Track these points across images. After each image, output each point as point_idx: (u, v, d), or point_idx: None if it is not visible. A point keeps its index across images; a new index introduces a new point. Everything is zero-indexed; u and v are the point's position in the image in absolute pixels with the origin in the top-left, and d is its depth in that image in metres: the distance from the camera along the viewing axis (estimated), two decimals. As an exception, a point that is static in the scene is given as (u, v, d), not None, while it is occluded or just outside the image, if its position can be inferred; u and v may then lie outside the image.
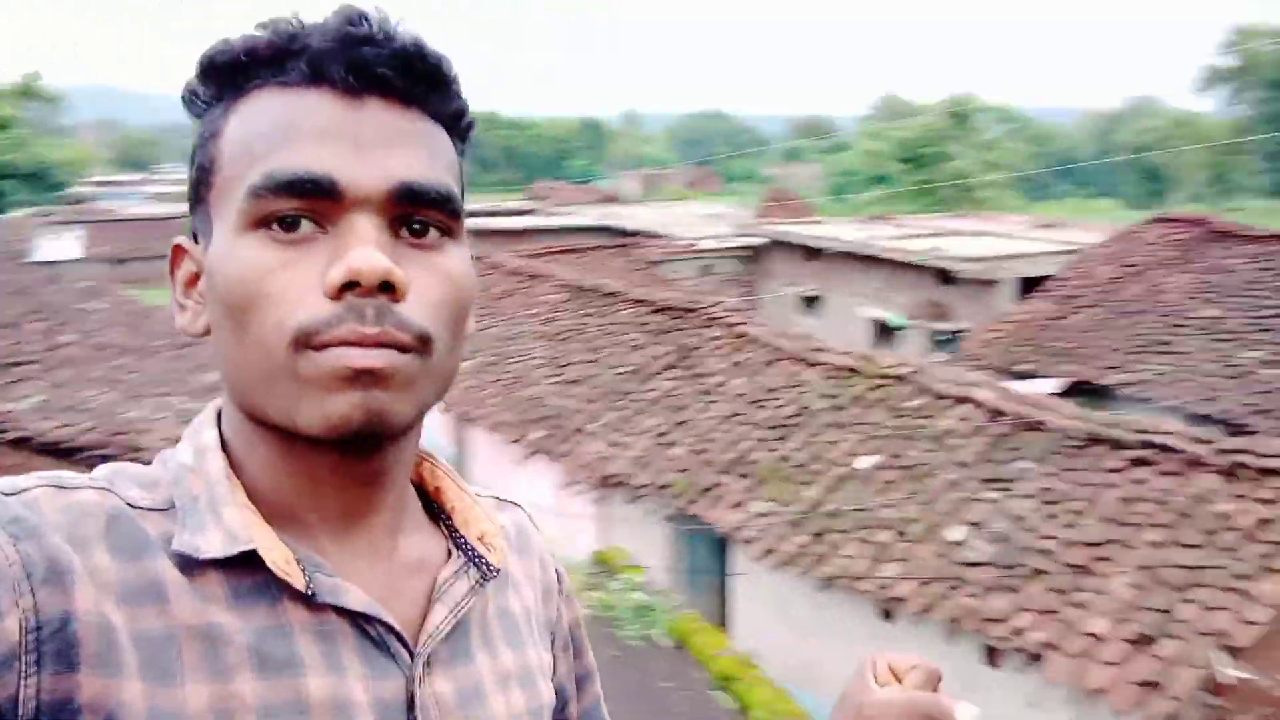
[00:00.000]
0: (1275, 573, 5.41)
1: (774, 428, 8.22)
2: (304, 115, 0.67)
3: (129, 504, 0.67)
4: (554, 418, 9.57)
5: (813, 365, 8.73)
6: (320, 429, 0.66)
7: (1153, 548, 5.84)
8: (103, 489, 0.67)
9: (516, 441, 9.52)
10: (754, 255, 19.24)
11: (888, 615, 6.53)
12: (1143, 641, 5.35)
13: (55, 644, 0.59)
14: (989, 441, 7.17)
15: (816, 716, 6.51)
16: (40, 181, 38.14)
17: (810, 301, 17.99)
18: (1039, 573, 6.00)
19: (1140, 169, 50.87)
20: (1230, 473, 6.06)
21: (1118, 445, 6.59)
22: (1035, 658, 5.61)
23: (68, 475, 0.68)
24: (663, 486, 8.14)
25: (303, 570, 0.68)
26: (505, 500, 0.92)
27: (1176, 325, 11.41)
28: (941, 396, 7.77)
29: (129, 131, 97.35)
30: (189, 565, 0.66)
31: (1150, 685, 5.14)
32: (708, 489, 7.89)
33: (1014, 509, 6.52)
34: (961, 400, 7.64)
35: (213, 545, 0.66)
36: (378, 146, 0.67)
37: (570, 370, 10.29)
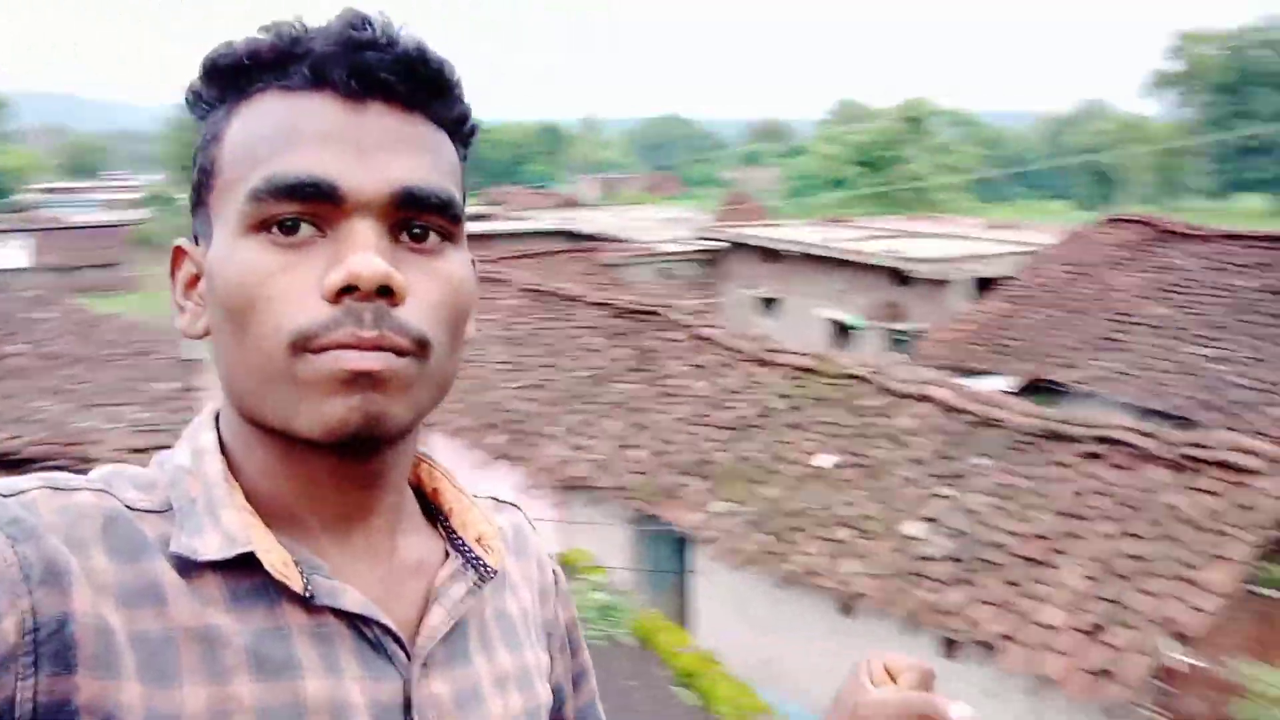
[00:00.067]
0: (1222, 561, 5.54)
1: (734, 429, 8.28)
2: (306, 119, 0.67)
3: (126, 505, 0.67)
4: (514, 422, 9.55)
5: (772, 366, 8.79)
6: (318, 433, 0.66)
7: (1105, 539, 5.96)
8: (100, 490, 0.67)
9: (477, 446, 9.49)
10: (713, 258, 19.33)
11: (847, 611, 6.60)
12: (1095, 631, 5.45)
13: (53, 645, 0.59)
14: (946, 439, 7.28)
15: (778, 712, 6.55)
16: (-14, 189, 37.38)
17: (769, 303, 18.11)
18: (995, 566, 6.10)
19: (1090, 171, 51.78)
20: (1179, 465, 6.19)
21: (1070, 440, 6.72)
22: (992, 649, 5.70)
23: (65, 476, 0.67)
24: (624, 489, 8.16)
25: (301, 572, 0.68)
26: (503, 501, 0.92)
27: (1127, 323, 11.64)
28: (899, 395, 7.87)
29: (78, 137, 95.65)
30: (187, 567, 0.66)
31: (1103, 673, 5.24)
32: (669, 490, 7.92)
33: (970, 504, 6.62)
34: (918, 399, 7.74)
35: (210, 547, 0.66)
36: (379, 151, 0.67)
37: (530, 374, 10.28)
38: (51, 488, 0.65)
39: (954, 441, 7.22)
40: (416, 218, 0.69)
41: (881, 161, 38.93)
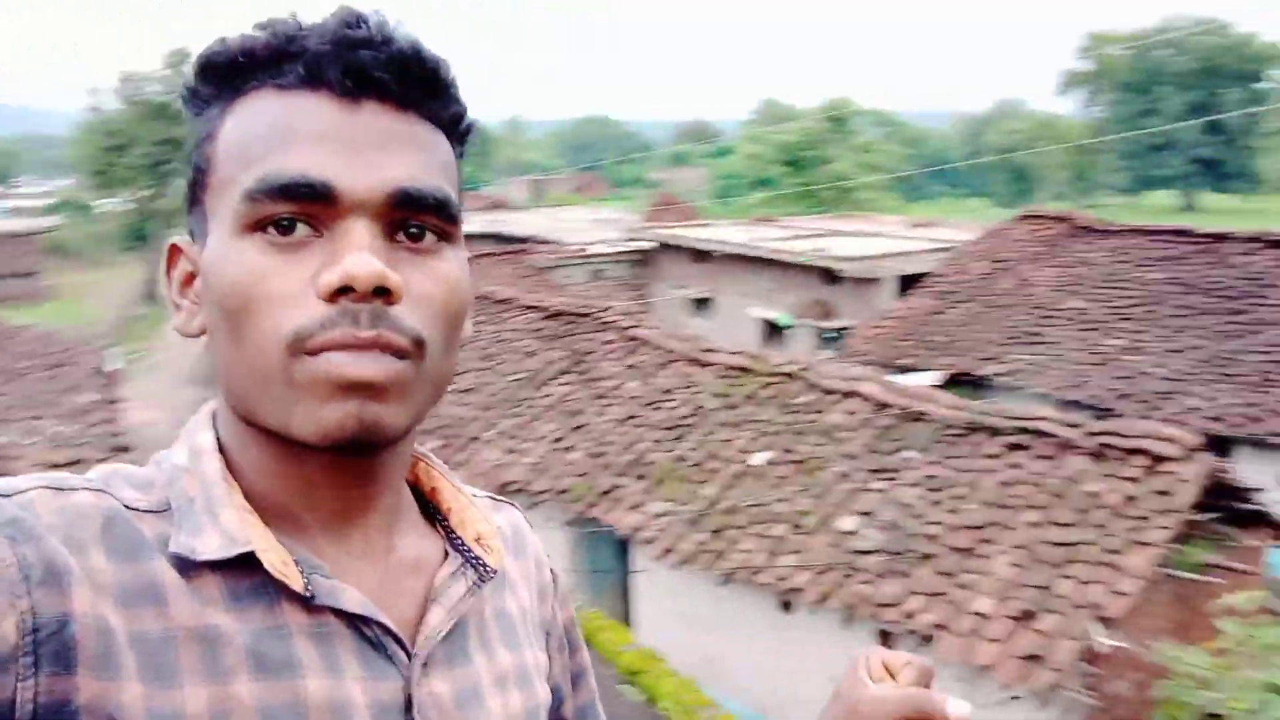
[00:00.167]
0: (1142, 546, 5.75)
1: (669, 428, 8.33)
2: (301, 118, 0.67)
3: (125, 505, 0.67)
4: (449, 427, 9.48)
5: (705, 366, 8.87)
6: (313, 437, 0.66)
7: (1030, 528, 6.13)
8: (98, 490, 0.67)
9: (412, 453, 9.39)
10: (643, 259, 19.40)
11: (786, 606, 6.69)
12: (1024, 617, 5.61)
13: (53, 646, 0.59)
14: (875, 433, 7.42)
15: (722, 708, 6.61)
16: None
17: (700, 303, 18.23)
18: (927, 557, 6.24)
19: (1007, 169, 53.10)
20: (1098, 454, 6.40)
21: (995, 432, 6.90)
22: (927, 639, 5.82)
23: (64, 476, 0.67)
24: (561, 491, 8.16)
25: (301, 572, 0.67)
26: (501, 500, 0.92)
27: (1045, 316, 11.99)
28: (829, 392, 8.00)
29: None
30: (186, 567, 0.66)
31: (1033, 658, 5.39)
32: (606, 492, 7.94)
33: (901, 497, 6.76)
34: (848, 395, 7.87)
35: (210, 547, 0.66)
36: (375, 151, 0.67)
37: (464, 379, 10.21)
38: (50, 488, 0.65)
39: (884, 436, 7.36)
40: (412, 217, 0.68)
41: (806, 161, 39.44)
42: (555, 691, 0.89)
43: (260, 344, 0.65)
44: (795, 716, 6.57)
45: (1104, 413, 9.34)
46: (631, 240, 20.15)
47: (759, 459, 7.65)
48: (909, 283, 14.73)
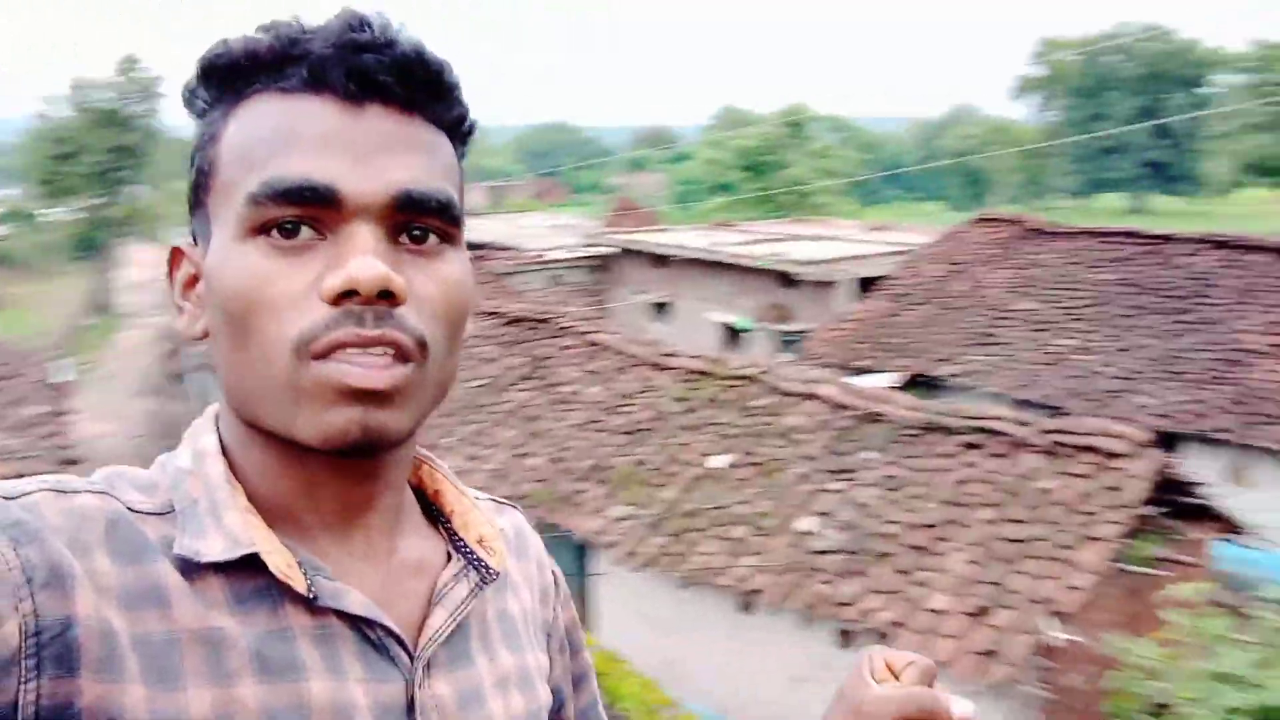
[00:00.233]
0: (1094, 542, 5.86)
1: (629, 433, 8.35)
2: (304, 122, 0.67)
3: (128, 508, 0.67)
4: (408, 434, 9.44)
5: (665, 370, 8.90)
6: (317, 441, 0.66)
7: (985, 525, 6.23)
8: (102, 493, 0.67)
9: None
10: (603, 264, 19.41)
11: (746, 608, 6.73)
12: (980, 613, 5.69)
13: (56, 648, 0.59)
14: (834, 435, 7.49)
15: (683, 709, 6.63)
16: None
17: (660, 308, 18.29)
18: (884, 556, 6.31)
19: (962, 173, 53.83)
20: (1051, 451, 6.51)
21: (950, 432, 7.00)
22: (885, 637, 5.88)
23: (67, 478, 0.67)
24: (522, 497, 8.14)
25: (304, 574, 0.67)
26: (503, 503, 0.91)
27: (999, 318, 12.18)
28: (788, 394, 8.06)
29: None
30: (190, 569, 0.66)
31: (989, 654, 5.47)
32: (567, 497, 7.94)
33: (859, 497, 6.83)
34: (807, 397, 7.94)
35: (214, 549, 0.66)
36: (378, 154, 0.67)
37: (423, 385, 10.16)
38: (54, 490, 0.65)
39: (842, 437, 7.44)
40: (416, 220, 0.68)
41: (764, 166, 39.74)
42: (556, 693, 0.89)
43: (265, 348, 0.66)
44: (756, 716, 6.61)
45: (1056, 411, 9.50)
46: (591, 246, 20.16)
47: (719, 462, 7.69)
48: (866, 286, 14.88)
